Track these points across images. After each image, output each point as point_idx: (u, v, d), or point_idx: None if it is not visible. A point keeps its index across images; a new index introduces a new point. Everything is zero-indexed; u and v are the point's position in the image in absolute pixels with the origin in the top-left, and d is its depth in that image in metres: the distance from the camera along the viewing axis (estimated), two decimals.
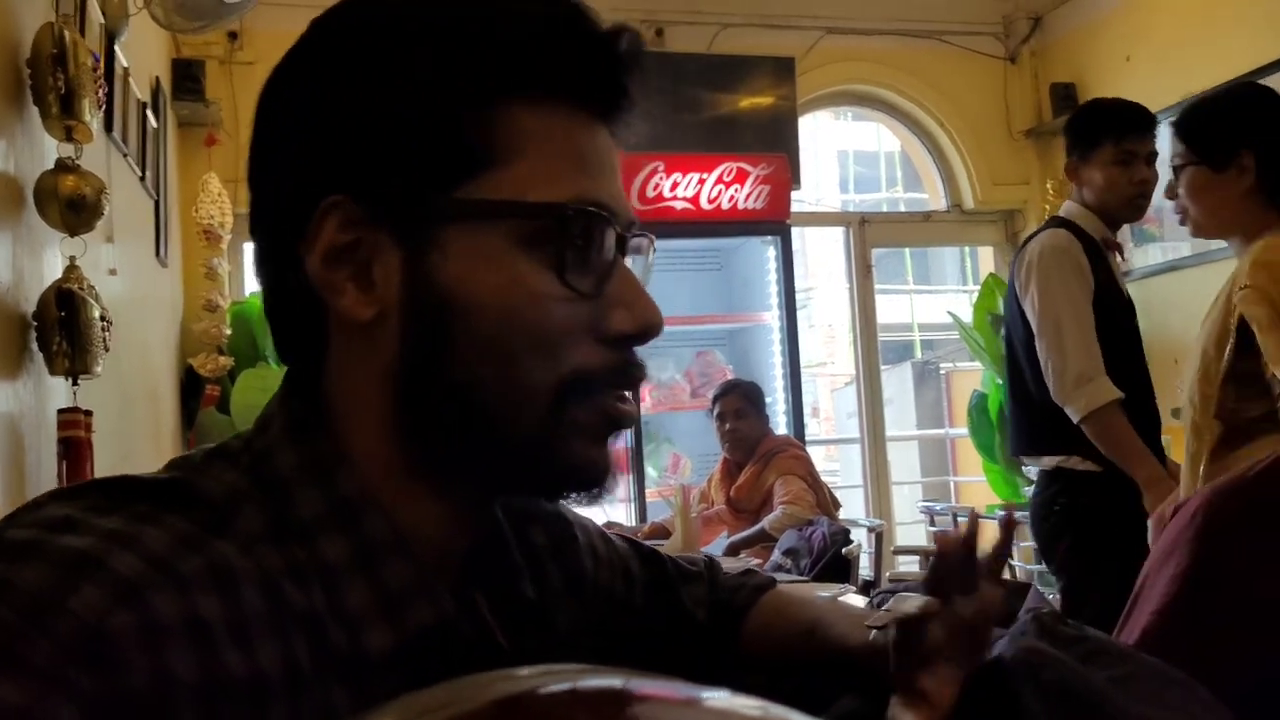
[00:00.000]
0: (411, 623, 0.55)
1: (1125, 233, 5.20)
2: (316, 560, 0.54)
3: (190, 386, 3.83)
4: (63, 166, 1.73)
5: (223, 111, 4.16)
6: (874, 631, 0.77)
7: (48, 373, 1.73)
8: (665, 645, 0.83)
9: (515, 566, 0.66)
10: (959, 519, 4.78)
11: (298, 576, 0.53)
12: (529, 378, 0.56)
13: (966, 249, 6.52)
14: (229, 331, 3.86)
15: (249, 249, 0.67)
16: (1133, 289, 5.21)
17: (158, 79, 3.62)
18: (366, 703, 0.49)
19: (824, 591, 2.39)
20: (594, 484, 0.60)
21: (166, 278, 3.61)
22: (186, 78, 4.14)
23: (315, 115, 0.58)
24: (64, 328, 1.65)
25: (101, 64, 2.03)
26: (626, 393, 0.62)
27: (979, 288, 5.59)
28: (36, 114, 1.73)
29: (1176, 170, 2.05)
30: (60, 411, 1.74)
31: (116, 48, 2.53)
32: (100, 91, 1.79)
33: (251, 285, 4.19)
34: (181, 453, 0.60)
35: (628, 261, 0.63)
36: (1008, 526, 0.80)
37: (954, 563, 0.74)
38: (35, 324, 1.67)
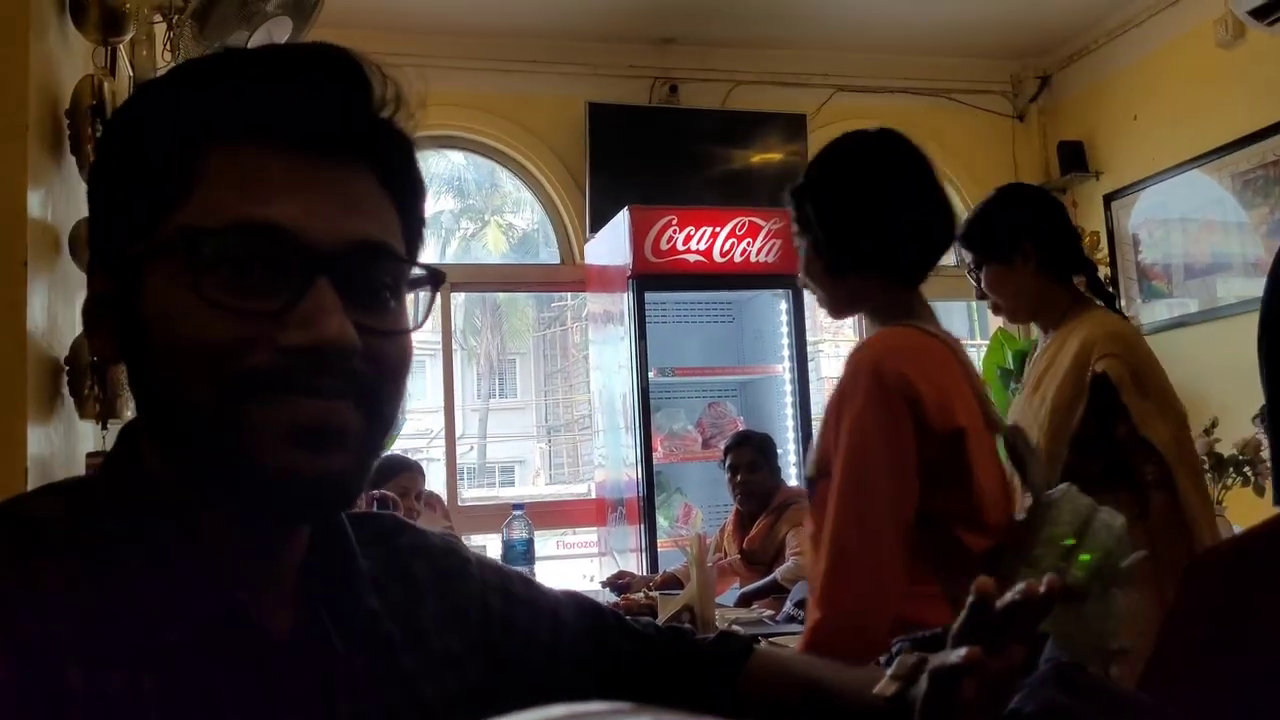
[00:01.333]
0: (200, 614, 0.59)
1: (1134, 288, 5.24)
2: (116, 563, 0.59)
3: None
4: None
5: None
6: (891, 687, 0.74)
7: (78, 417, 1.76)
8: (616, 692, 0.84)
9: (356, 581, 0.70)
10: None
11: (99, 578, 0.58)
12: (189, 389, 0.60)
13: (974, 304, 6.54)
14: None
15: None
16: None
17: None
18: (170, 688, 0.57)
19: None
20: (298, 496, 0.61)
21: None
22: None
23: (90, 184, 0.68)
24: (96, 372, 1.69)
25: None
26: (318, 400, 0.61)
27: (987, 342, 5.61)
28: (74, 162, 1.78)
29: (974, 275, 2.29)
30: (89, 455, 1.78)
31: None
32: None
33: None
34: None
35: (391, 293, 0.65)
36: (1052, 590, 0.74)
37: (993, 612, 0.73)
38: (67, 369, 1.71)
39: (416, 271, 0.67)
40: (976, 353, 6.25)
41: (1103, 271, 5.26)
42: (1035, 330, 5.57)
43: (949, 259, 6.07)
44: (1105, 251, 5.31)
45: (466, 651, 0.77)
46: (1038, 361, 2.30)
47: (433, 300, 0.68)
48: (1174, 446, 2.11)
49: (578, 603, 0.88)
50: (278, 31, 2.78)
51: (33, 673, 0.53)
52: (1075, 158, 5.44)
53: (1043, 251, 2.23)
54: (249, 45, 2.70)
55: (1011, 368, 5.18)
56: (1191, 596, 1.13)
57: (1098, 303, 2.30)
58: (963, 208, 5.69)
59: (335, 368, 0.61)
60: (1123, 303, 5.30)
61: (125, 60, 2.36)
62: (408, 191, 0.68)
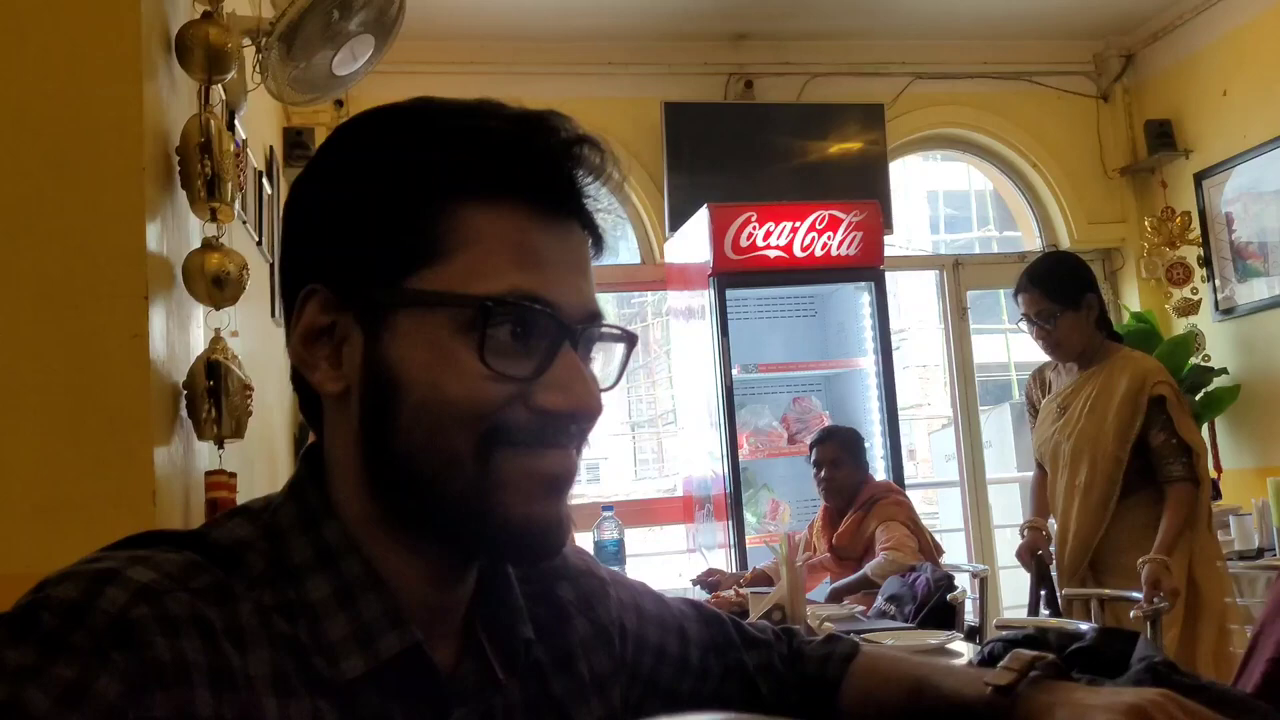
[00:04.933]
0: (382, 651, 0.63)
1: (1228, 268, 5.11)
2: (303, 598, 0.63)
3: (302, 443, 3.99)
4: (208, 245, 1.87)
5: None
6: (990, 688, 0.76)
7: (196, 438, 1.86)
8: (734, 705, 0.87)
9: (515, 612, 0.73)
10: None
11: (287, 611, 0.62)
12: (451, 442, 0.63)
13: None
14: None
15: None
16: (1236, 326, 5.13)
17: (271, 148, 3.82)
18: (349, 716, 0.61)
19: (931, 639, 2.40)
20: (537, 541, 0.66)
21: (278, 337, 3.75)
22: (296, 145, 4.36)
23: (306, 213, 0.68)
24: (212, 396, 1.78)
25: (244, 149, 2.18)
26: (562, 451, 0.66)
27: None
28: (184, 197, 1.88)
29: (1048, 317, 2.97)
30: (208, 474, 1.87)
31: (236, 122, 2.70)
32: (241, 176, 1.93)
33: None
34: None
35: (597, 353, 0.70)
36: None
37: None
38: (185, 393, 1.80)
39: (617, 334, 0.71)
40: None
41: (1195, 253, 5.16)
42: (1126, 314, 5.49)
43: (1033, 244, 6.02)
44: (1197, 232, 5.18)
45: (610, 672, 0.79)
46: (1079, 389, 3.01)
47: (627, 361, 0.73)
48: (1203, 447, 2.86)
49: (701, 615, 0.90)
50: (360, 49, 2.87)
51: (234, 700, 0.57)
52: (1163, 136, 5.31)
53: (1100, 303, 2.98)
54: (334, 65, 2.79)
55: None
56: None
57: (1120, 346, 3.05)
58: (1048, 192, 5.60)
59: (581, 429, 0.67)
60: (1217, 282, 5.17)
61: (219, 87, 2.46)
62: (599, 256, 0.73)
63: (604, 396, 0.69)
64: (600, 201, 0.69)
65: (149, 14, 1.75)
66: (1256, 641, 1.22)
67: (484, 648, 0.71)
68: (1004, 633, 1.02)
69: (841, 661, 0.90)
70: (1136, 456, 2.85)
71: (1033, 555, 3.07)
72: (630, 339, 0.72)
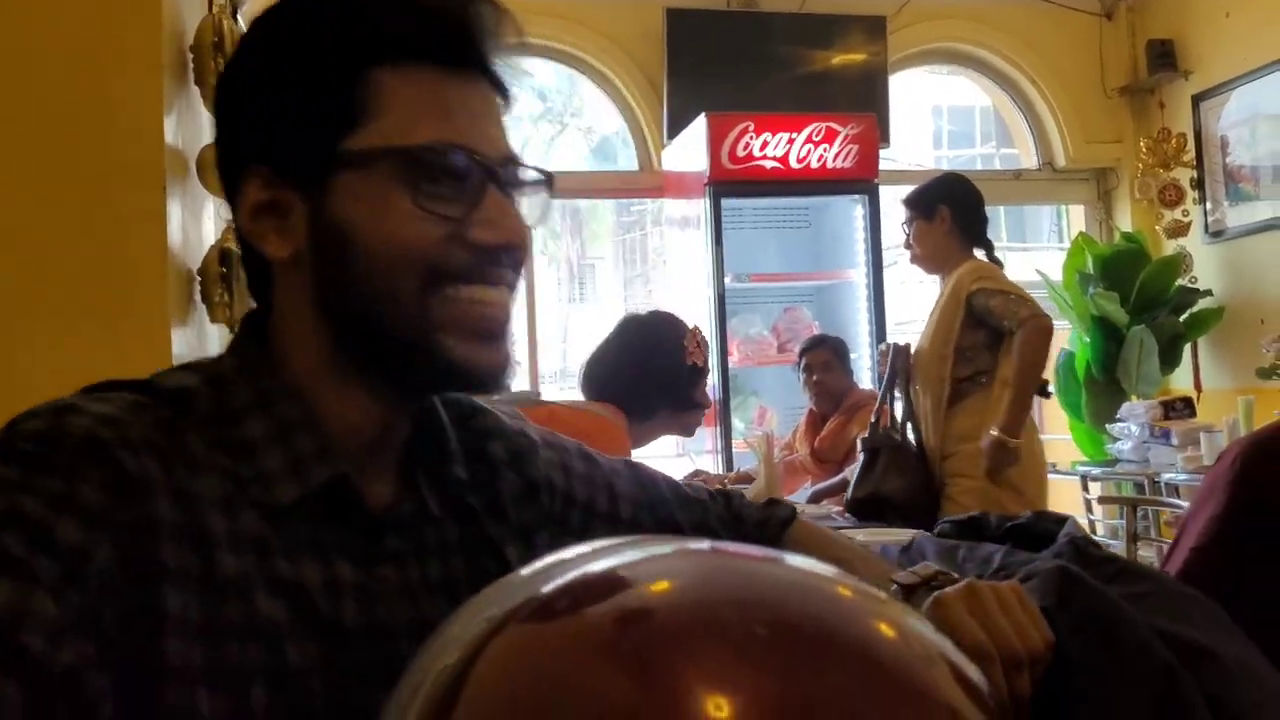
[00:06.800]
0: (312, 479, 0.70)
1: (1220, 191, 5.16)
2: (242, 436, 0.70)
3: None
4: None
5: None
6: (895, 586, 0.78)
7: (208, 320, 1.96)
8: None
9: (449, 454, 0.80)
10: None
11: (227, 446, 0.69)
12: (397, 284, 0.70)
13: (1061, 208, 6.48)
14: None
15: None
16: (1224, 249, 5.20)
17: None
18: (284, 538, 0.70)
19: (902, 535, 2.52)
20: (478, 379, 0.74)
21: None
22: None
23: (237, 97, 0.75)
24: (224, 281, 1.88)
25: None
26: (496, 290, 0.73)
27: (1069, 245, 5.58)
28: (197, 94, 1.95)
29: (907, 223, 3.13)
30: None
31: (239, 17, 2.74)
32: None
33: None
34: None
35: (522, 196, 0.76)
36: None
37: None
38: (199, 279, 1.90)
39: (535, 176, 0.78)
40: (1059, 255, 6.22)
41: (1188, 175, 5.21)
42: (1117, 234, 5.51)
43: (1031, 163, 6.00)
44: (1192, 154, 5.22)
45: (537, 524, 0.85)
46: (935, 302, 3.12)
47: (549, 199, 0.80)
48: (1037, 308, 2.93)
49: (636, 473, 0.95)
50: None
51: (190, 514, 0.65)
52: (1164, 57, 5.32)
53: (955, 216, 3.06)
54: None
55: (1091, 271, 5.18)
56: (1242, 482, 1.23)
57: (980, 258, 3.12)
58: (1046, 109, 5.62)
59: (514, 261, 0.75)
60: (1209, 205, 5.23)
61: None
62: (508, 107, 0.80)
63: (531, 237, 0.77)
64: (502, 56, 0.76)
65: None
66: (1183, 529, 1.33)
67: (420, 486, 0.78)
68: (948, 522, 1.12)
69: (779, 526, 0.97)
70: (966, 361, 2.97)
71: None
72: (548, 178, 0.79)
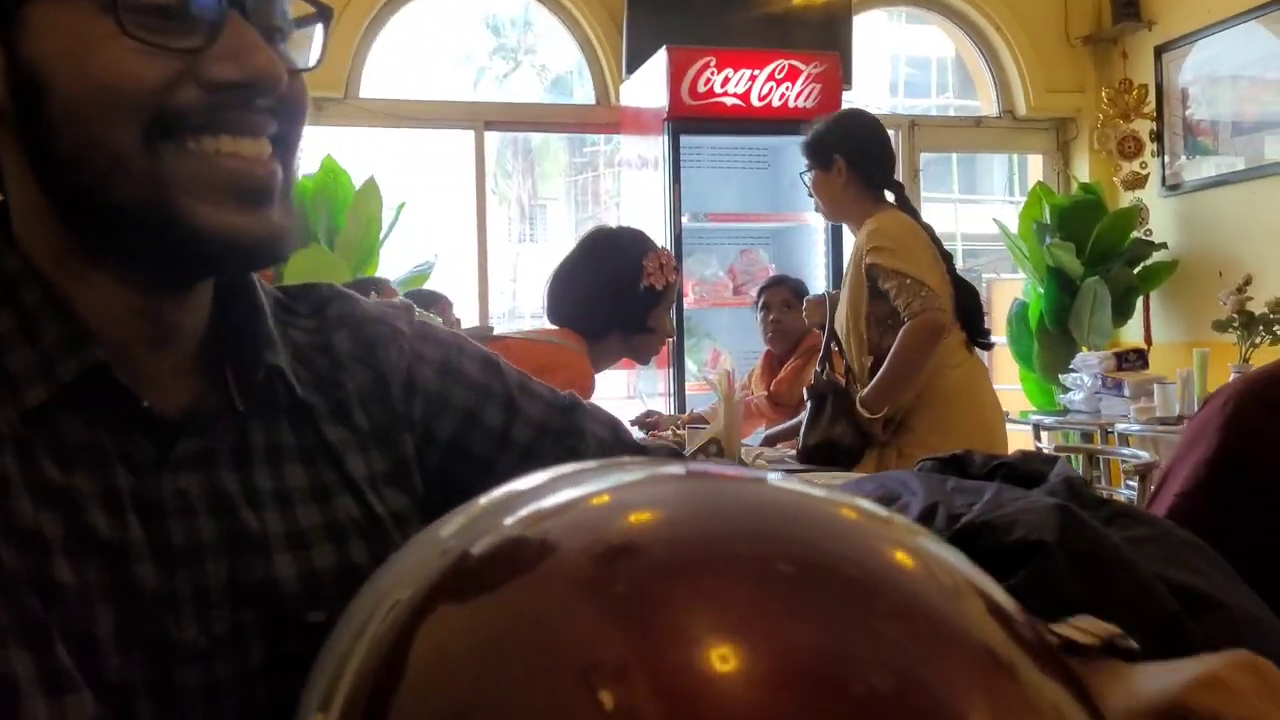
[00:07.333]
0: (62, 375, 0.60)
1: (1179, 144, 5.15)
2: None
3: None
4: None
5: None
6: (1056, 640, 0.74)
7: None
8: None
9: (258, 338, 0.68)
10: None
11: None
12: (111, 136, 0.57)
13: (1015, 158, 6.46)
14: None
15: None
16: (1180, 202, 5.21)
17: None
18: (46, 442, 0.60)
19: (849, 479, 2.48)
20: (239, 251, 0.61)
21: None
22: None
23: None
24: None
25: None
26: (248, 140, 0.61)
27: (1025, 197, 5.57)
28: None
29: (805, 176, 2.85)
30: None
31: None
32: None
33: (301, 168, 4.25)
34: None
35: (291, 33, 0.63)
36: None
37: None
38: None
39: (305, 9, 0.65)
40: (1014, 209, 6.22)
41: (1148, 127, 5.19)
42: (1074, 185, 5.51)
43: (991, 111, 5.95)
44: (1152, 105, 5.20)
45: (390, 423, 0.74)
46: None
47: (326, 39, 0.66)
48: (942, 287, 2.67)
49: (555, 401, 0.84)
50: None
51: None
52: (1128, 6, 5.27)
53: (851, 167, 2.74)
54: None
55: (1048, 222, 5.16)
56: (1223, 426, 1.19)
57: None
58: (1010, 58, 5.56)
59: (276, 106, 0.61)
60: (1167, 158, 5.22)
61: None
62: None
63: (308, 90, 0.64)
64: None
65: None
66: (1168, 475, 1.28)
67: (226, 380, 0.67)
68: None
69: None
70: (887, 329, 2.68)
71: None
72: (324, 10, 0.66)
